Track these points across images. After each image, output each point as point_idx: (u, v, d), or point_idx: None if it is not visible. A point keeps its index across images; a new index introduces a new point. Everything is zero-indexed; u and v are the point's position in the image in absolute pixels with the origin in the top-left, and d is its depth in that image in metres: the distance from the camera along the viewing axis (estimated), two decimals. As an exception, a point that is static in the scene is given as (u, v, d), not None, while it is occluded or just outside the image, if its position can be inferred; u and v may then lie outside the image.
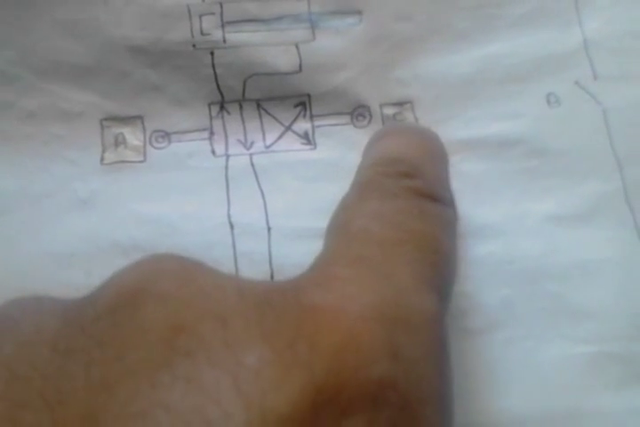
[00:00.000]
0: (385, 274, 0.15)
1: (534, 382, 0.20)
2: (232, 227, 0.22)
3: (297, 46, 0.23)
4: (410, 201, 0.17)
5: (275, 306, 0.14)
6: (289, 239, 0.22)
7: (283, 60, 0.23)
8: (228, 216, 0.22)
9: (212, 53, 0.23)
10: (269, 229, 0.22)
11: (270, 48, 0.23)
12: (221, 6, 0.23)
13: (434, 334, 0.15)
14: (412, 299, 0.15)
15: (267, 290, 0.15)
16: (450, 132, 0.23)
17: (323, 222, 0.21)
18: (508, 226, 0.22)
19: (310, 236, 0.22)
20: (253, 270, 0.21)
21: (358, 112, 0.23)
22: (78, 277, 0.21)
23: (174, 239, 0.22)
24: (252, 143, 0.23)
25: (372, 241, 0.16)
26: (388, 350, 0.13)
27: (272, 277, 0.21)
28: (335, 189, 0.22)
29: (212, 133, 0.23)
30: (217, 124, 0.23)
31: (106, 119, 0.23)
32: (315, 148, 0.23)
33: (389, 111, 0.23)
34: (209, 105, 0.23)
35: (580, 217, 0.22)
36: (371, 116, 0.23)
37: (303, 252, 0.22)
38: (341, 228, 0.17)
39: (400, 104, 0.23)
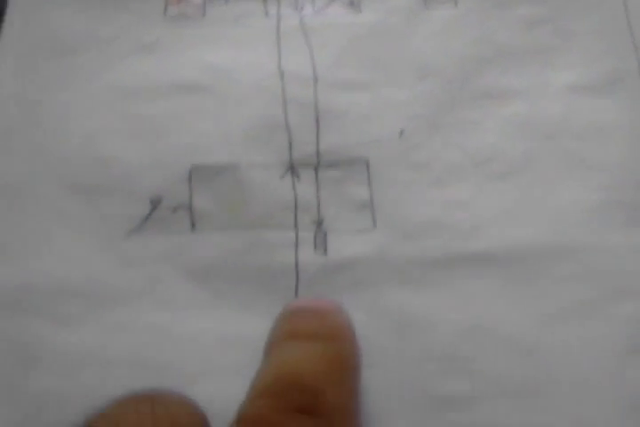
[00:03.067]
0: None
1: (549, 218, 0.22)
2: (282, 76, 0.24)
3: None
4: None
5: None
6: (334, 89, 0.24)
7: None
8: (279, 67, 0.24)
9: None
10: (316, 79, 0.24)
11: None
12: None
13: None
14: None
15: None
16: (484, 7, 0.25)
17: (365, 76, 0.24)
18: (531, 92, 0.24)
19: (353, 87, 0.24)
20: (301, 114, 0.24)
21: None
22: (139, 108, 0.23)
23: (229, 84, 0.24)
24: (303, 6, 0.25)
25: None
26: None
27: (317, 121, 0.23)
28: (377, 47, 0.24)
29: (266, -3, 0.26)
30: (271, -11, 0.26)
31: (170, -22, 0.25)
32: (360, 12, 0.25)
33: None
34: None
35: (598, 88, 0.25)
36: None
37: (346, 101, 0.24)
38: None
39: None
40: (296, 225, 0.22)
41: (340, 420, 0.16)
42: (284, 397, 0.16)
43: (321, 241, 0.22)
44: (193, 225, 0.22)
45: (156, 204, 0.22)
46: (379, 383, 0.20)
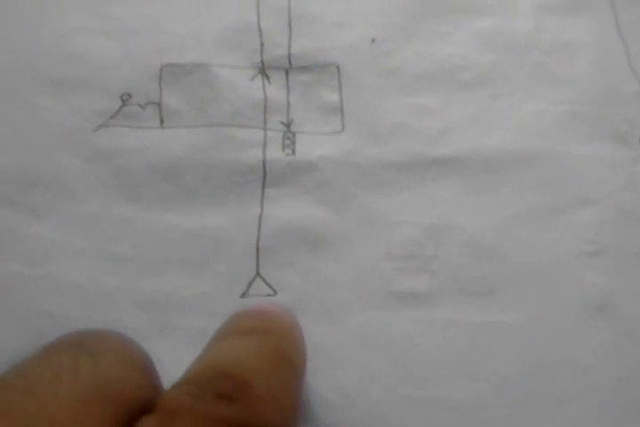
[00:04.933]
0: None
1: (514, 127, 0.23)
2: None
3: None
4: None
5: None
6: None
7: None
8: (253, -32, 0.24)
9: None
10: (291, -18, 0.24)
11: None
12: None
13: None
14: None
15: None
16: None
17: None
18: (503, 7, 0.25)
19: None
20: (273, 17, 0.24)
21: None
22: (112, 9, 0.23)
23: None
24: None
25: None
26: None
27: (290, 25, 0.23)
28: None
29: None
30: None
31: None
32: None
33: None
34: None
35: (568, 8, 0.25)
36: None
37: (319, 6, 0.24)
38: None
39: None
40: (265, 124, 0.22)
41: (268, 413, 0.15)
42: (208, 384, 0.15)
43: (289, 142, 0.22)
44: (162, 121, 0.22)
45: (125, 100, 0.22)
46: (340, 277, 0.21)
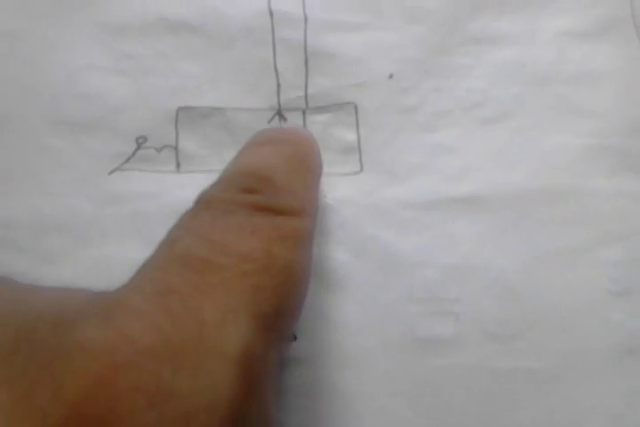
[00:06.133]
0: (188, 308, 0.14)
1: (537, 163, 0.22)
2: (271, 14, 0.23)
3: None
4: (244, 217, 0.16)
5: (35, 338, 0.13)
6: (323, 30, 0.23)
7: None
8: (269, 5, 0.24)
9: None
10: (306, 18, 0.24)
11: None
12: None
13: (232, 373, 0.13)
14: (209, 336, 0.13)
15: (50, 316, 0.13)
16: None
17: (355, 17, 0.23)
18: (523, 37, 0.24)
19: (343, 29, 0.24)
20: (290, 55, 0.23)
21: None
22: (126, 45, 0.23)
23: (218, 23, 0.23)
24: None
25: (191, 267, 0.14)
26: (150, 399, 0.12)
27: (306, 63, 0.23)
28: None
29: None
30: None
31: None
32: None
33: None
34: None
35: (591, 34, 0.24)
36: None
37: (336, 42, 0.24)
38: (167, 246, 0.16)
39: None
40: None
41: (288, 199, 0.17)
42: (235, 181, 0.17)
43: (308, 184, 0.22)
44: (178, 165, 0.22)
45: (140, 143, 0.22)
46: (362, 322, 0.20)
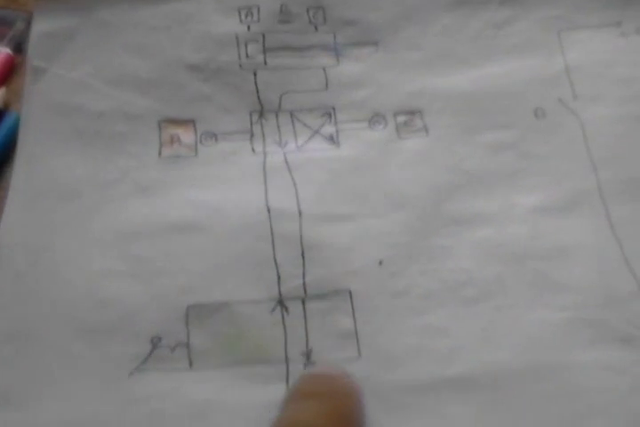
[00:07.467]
0: None
1: (521, 340, 0.24)
2: (269, 211, 0.26)
3: (324, 70, 0.28)
4: None
5: None
6: (317, 222, 0.26)
7: (312, 80, 0.28)
8: (266, 202, 0.26)
9: (254, 73, 0.28)
10: (300, 213, 0.26)
11: (303, 71, 0.28)
12: (263, 36, 0.29)
13: None
14: None
15: None
16: (453, 135, 0.28)
17: (346, 208, 0.26)
18: (499, 215, 0.27)
19: (335, 220, 0.26)
20: (288, 248, 0.26)
21: (375, 119, 0.28)
22: (137, 249, 0.26)
23: (220, 221, 0.26)
24: (286, 143, 0.28)
25: None
26: None
27: (303, 255, 0.25)
28: (356, 179, 0.26)
29: (252, 135, 0.28)
30: (256, 128, 0.28)
31: (163, 121, 0.28)
32: (339, 147, 0.28)
33: (402, 119, 0.28)
34: (250, 113, 0.28)
35: (561, 209, 0.27)
36: (386, 122, 0.28)
37: (329, 233, 0.26)
38: None
39: (411, 113, 0.28)
40: (286, 358, 0.24)
41: None
42: None
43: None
44: (191, 363, 0.24)
45: (156, 343, 0.24)
46: None
